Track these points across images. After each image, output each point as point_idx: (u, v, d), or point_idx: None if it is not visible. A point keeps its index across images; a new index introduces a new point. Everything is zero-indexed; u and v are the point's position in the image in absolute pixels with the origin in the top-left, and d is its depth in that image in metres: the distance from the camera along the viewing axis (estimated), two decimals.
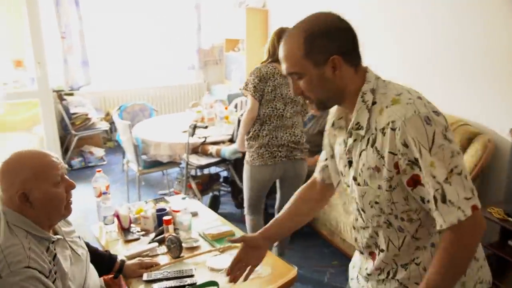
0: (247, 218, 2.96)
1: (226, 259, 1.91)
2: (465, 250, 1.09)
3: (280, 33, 2.65)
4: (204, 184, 3.66)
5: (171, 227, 2.16)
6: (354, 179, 1.25)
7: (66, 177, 1.50)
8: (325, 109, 1.31)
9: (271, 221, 1.60)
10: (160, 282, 1.80)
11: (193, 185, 3.49)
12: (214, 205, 3.95)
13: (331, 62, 1.15)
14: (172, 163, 3.75)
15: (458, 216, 1.04)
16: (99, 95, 5.78)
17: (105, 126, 5.35)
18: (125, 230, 2.28)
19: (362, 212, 1.28)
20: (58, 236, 1.51)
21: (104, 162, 5.31)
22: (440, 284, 1.09)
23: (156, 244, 2.12)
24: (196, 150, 3.62)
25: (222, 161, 3.56)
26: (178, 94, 6.30)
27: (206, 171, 4.08)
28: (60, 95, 5.23)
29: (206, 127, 3.35)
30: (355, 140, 1.23)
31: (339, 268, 3.13)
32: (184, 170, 3.56)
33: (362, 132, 1.19)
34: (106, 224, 2.34)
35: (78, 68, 5.29)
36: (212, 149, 3.50)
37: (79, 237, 1.77)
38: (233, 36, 5.97)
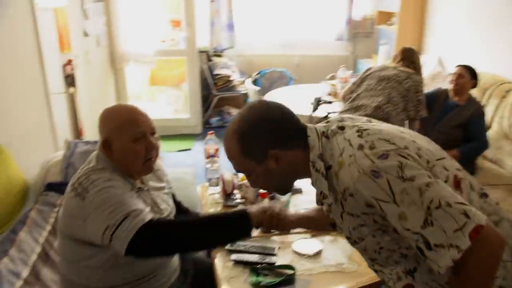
0: None
1: (314, 245, 1.81)
2: (480, 281, 0.94)
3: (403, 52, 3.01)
4: None
5: (266, 201, 2.11)
6: (348, 238, 1.21)
7: (151, 137, 1.55)
8: (288, 191, 1.32)
9: None
10: (240, 253, 1.77)
11: None
12: None
13: (271, 157, 1.15)
14: None
15: (452, 255, 0.91)
16: (244, 58, 5.92)
17: (245, 89, 5.50)
18: (227, 195, 2.29)
19: (375, 260, 1.21)
20: (142, 186, 1.58)
21: None
22: None
23: None
24: None
25: None
26: (322, 65, 6.13)
27: None
28: (208, 56, 5.50)
29: (330, 102, 3.18)
30: (330, 205, 1.17)
31: None
32: None
33: (329, 201, 1.15)
34: (210, 186, 2.40)
35: (223, 31, 5.46)
36: None
37: (172, 194, 1.84)
38: (386, 9, 5.55)
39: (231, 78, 5.37)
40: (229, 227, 1.43)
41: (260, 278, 1.61)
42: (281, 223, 1.49)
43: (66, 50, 4.26)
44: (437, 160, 1.07)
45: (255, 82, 4.89)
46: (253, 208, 1.46)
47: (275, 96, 4.12)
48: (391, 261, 1.16)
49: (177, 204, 1.91)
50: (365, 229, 1.11)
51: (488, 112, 3.42)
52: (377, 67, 3.09)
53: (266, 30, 5.92)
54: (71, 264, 1.51)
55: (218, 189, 2.35)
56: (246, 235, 1.45)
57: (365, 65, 5.60)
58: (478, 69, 3.13)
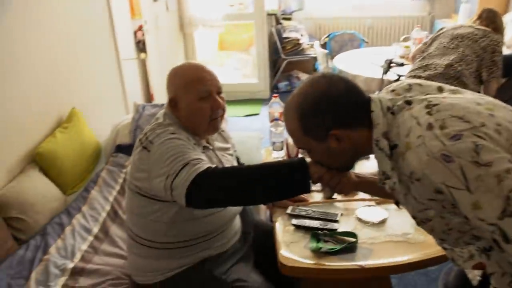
0: None
1: (379, 213, 1.73)
2: None
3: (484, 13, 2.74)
4: None
5: None
6: (414, 217, 1.12)
7: (217, 96, 1.53)
8: (350, 169, 1.28)
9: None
10: (301, 218, 1.72)
11: None
12: None
13: (333, 137, 1.09)
14: None
15: None
16: (314, 21, 5.74)
17: (314, 53, 5.35)
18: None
19: (443, 240, 1.13)
20: (208, 145, 1.59)
21: None
22: None
23: None
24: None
25: None
26: (396, 27, 5.80)
27: None
28: (277, 19, 5.39)
29: (402, 64, 2.99)
30: (393, 185, 1.08)
31: None
32: None
33: (391, 182, 1.07)
34: (274, 150, 2.37)
35: None
36: None
37: (237, 158, 1.87)
38: None
39: (300, 42, 5.24)
40: (287, 175, 1.28)
41: (321, 244, 1.57)
42: (342, 183, 1.34)
43: (137, 16, 4.36)
44: None
45: (324, 45, 4.72)
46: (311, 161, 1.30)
47: (344, 58, 3.96)
48: (461, 242, 1.07)
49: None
50: (431, 211, 1.02)
51: None
52: (451, 26, 2.86)
53: None
54: (138, 219, 1.56)
55: (282, 153, 2.32)
56: (304, 187, 1.31)
57: (443, 25, 5.22)
58: None
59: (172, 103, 1.53)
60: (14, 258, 1.83)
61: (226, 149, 1.76)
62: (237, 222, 1.71)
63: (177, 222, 1.49)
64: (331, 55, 4.46)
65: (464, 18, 4.86)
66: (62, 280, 1.75)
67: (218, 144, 1.71)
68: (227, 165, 1.65)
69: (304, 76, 5.43)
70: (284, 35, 5.26)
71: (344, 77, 1.15)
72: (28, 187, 2.10)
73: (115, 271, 1.76)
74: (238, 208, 1.68)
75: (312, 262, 1.53)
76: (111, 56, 3.25)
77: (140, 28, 4.37)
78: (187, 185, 1.26)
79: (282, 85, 5.39)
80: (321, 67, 3.80)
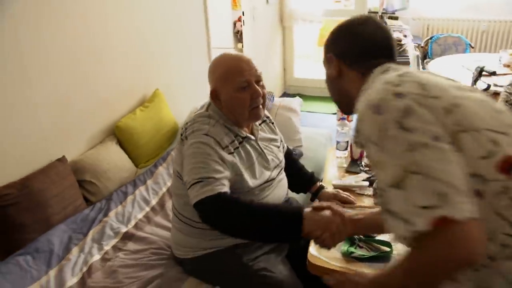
0: None
1: None
2: (424, 273, 0.80)
3: None
4: None
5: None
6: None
7: (256, 85, 1.56)
8: (347, 112, 1.25)
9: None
10: None
11: None
12: None
13: (329, 59, 1.16)
14: None
15: (406, 229, 0.77)
16: (421, 22, 5.44)
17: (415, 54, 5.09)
18: (352, 161, 2.22)
19: None
20: (249, 135, 1.62)
21: None
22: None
23: (367, 183, 2.00)
24: None
25: None
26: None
27: None
28: (381, 17, 5.21)
29: (493, 73, 2.75)
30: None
31: None
32: None
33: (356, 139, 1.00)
34: (337, 149, 2.34)
35: None
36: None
37: (287, 149, 1.91)
38: None
39: (402, 42, 5.01)
40: (281, 225, 1.37)
41: (353, 249, 1.54)
42: (328, 240, 1.35)
43: (238, 7, 4.52)
44: (489, 130, 0.85)
45: (426, 48, 4.48)
46: (309, 212, 1.36)
47: (440, 63, 3.73)
48: None
49: (291, 161, 1.91)
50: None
51: None
52: None
53: None
54: (178, 198, 1.67)
55: (346, 153, 2.28)
56: (295, 237, 1.38)
57: None
58: None
59: (213, 95, 1.57)
60: (79, 216, 2.06)
61: (273, 140, 1.77)
62: None
63: None
64: (431, 58, 4.23)
65: None
66: (113, 241, 1.94)
67: (264, 134, 1.73)
68: (268, 155, 1.67)
69: None
70: None
71: (385, 29, 1.15)
72: (104, 156, 2.33)
73: (160, 241, 1.90)
74: (280, 199, 1.70)
75: (339, 265, 1.51)
76: (202, 44, 3.43)
77: (240, 19, 4.53)
78: (195, 201, 1.39)
79: None
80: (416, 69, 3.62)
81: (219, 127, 1.53)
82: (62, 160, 2.17)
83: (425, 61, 4.22)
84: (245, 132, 1.61)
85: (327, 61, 1.18)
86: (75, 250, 1.89)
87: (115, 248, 1.90)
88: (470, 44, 4.39)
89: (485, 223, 0.80)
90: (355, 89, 1.10)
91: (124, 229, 2.00)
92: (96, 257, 1.85)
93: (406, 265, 0.84)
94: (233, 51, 1.61)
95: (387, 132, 0.83)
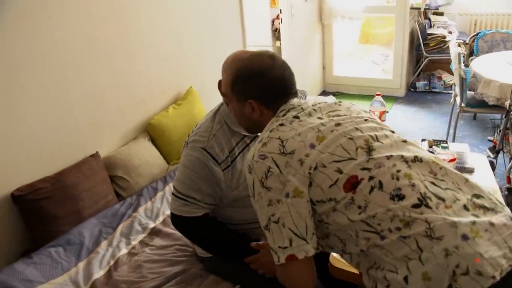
0: None
1: None
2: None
3: None
4: None
5: None
6: None
7: None
8: (252, 133, 1.48)
9: None
10: None
11: (511, 139, 2.86)
12: None
13: (249, 104, 1.26)
14: (498, 108, 3.14)
15: (276, 259, 1.09)
16: (468, 18, 5.23)
17: (463, 52, 4.88)
18: None
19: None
20: (259, 135, 1.60)
21: (450, 91, 4.95)
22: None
23: None
24: None
25: None
26: None
27: None
28: (424, 13, 5.05)
29: None
30: None
31: None
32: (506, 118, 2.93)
33: None
34: None
35: None
36: None
37: None
38: None
39: (446, 39, 4.84)
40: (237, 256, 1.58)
41: None
42: (264, 269, 1.53)
43: (277, 5, 4.51)
44: (335, 162, 1.08)
45: (472, 45, 4.28)
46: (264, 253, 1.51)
47: (485, 61, 3.56)
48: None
49: None
50: None
51: None
52: None
53: None
54: None
55: None
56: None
57: None
58: None
59: (220, 86, 1.58)
60: (110, 211, 2.12)
61: None
62: None
63: (220, 206, 1.60)
64: (477, 55, 4.04)
65: None
66: (141, 236, 1.98)
67: None
68: None
69: (447, 76, 5.02)
70: (430, 31, 4.90)
71: (286, 66, 1.30)
72: (136, 152, 2.39)
73: (185, 238, 1.92)
74: None
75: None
76: (237, 42, 3.44)
77: (278, 16, 4.51)
78: (171, 211, 1.58)
79: (421, 84, 5.05)
80: (455, 68, 3.47)
81: (222, 133, 1.55)
82: (95, 155, 2.24)
83: (470, 58, 4.04)
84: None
85: (247, 104, 1.27)
86: (104, 244, 1.94)
87: (142, 243, 1.94)
88: None
89: (344, 229, 1.07)
90: (266, 122, 1.25)
91: (152, 225, 2.04)
92: (123, 251, 1.90)
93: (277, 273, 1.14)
94: (246, 49, 1.61)
95: (254, 189, 1.11)
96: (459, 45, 4.49)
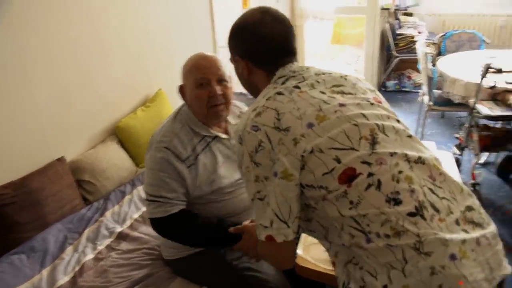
0: None
1: None
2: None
3: None
4: (497, 139, 3.00)
5: None
6: None
7: (218, 84, 1.56)
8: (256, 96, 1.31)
9: None
10: None
11: (475, 137, 2.93)
12: (506, 167, 3.26)
13: (237, 62, 1.20)
14: (464, 106, 3.21)
15: (258, 233, 1.06)
16: (436, 18, 5.34)
17: (431, 52, 4.98)
18: None
19: None
20: (219, 134, 1.63)
21: (420, 90, 5.05)
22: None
23: None
24: (496, 96, 2.96)
25: None
26: None
27: (503, 125, 3.31)
28: (394, 14, 5.13)
29: (499, 70, 2.66)
30: None
31: None
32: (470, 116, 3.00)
33: None
34: None
35: None
36: None
37: None
38: None
39: (415, 39, 4.92)
40: (222, 243, 1.60)
41: None
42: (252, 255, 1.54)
43: (249, 6, 4.51)
44: (334, 149, 1.01)
45: (440, 45, 4.38)
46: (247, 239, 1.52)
47: (450, 60, 3.64)
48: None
49: None
50: None
51: None
52: None
53: None
54: None
55: None
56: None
57: None
58: None
59: (181, 90, 1.63)
60: (76, 215, 2.10)
61: None
62: None
63: (191, 204, 1.59)
64: (445, 55, 4.13)
65: None
66: (107, 241, 1.96)
67: None
68: None
69: (417, 76, 5.11)
70: (399, 32, 4.99)
71: (281, 21, 1.18)
72: (103, 156, 2.36)
73: (153, 241, 1.91)
74: None
75: (327, 267, 1.50)
76: (208, 43, 3.44)
77: None
78: (149, 217, 1.57)
79: (391, 83, 5.13)
80: (422, 67, 3.54)
81: (184, 132, 1.56)
82: (61, 160, 2.21)
83: (436, 58, 4.13)
84: (215, 132, 1.62)
85: (235, 62, 1.22)
86: (69, 250, 1.92)
87: (109, 247, 1.92)
88: (484, 40, 4.26)
89: (330, 220, 1.02)
90: (264, 86, 1.16)
91: (119, 229, 2.02)
92: (89, 256, 1.87)
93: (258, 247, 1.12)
94: (202, 51, 1.62)
95: (243, 162, 1.05)
96: (428, 45, 4.59)
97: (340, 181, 0.99)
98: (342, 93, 1.11)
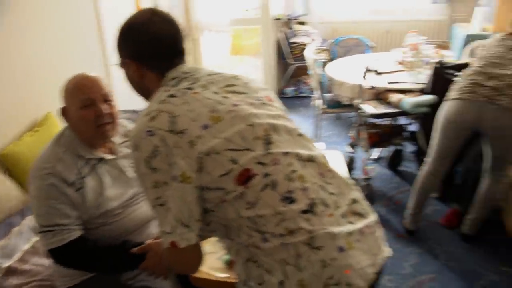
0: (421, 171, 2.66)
1: None
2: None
3: None
4: (384, 136, 3.25)
5: None
6: None
7: (103, 103, 1.53)
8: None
9: None
10: None
11: (363, 135, 3.14)
12: (394, 160, 3.54)
13: (125, 64, 1.18)
14: (352, 107, 3.44)
15: (163, 241, 1.04)
16: (328, 26, 5.66)
17: (325, 58, 5.26)
18: None
19: None
20: (105, 156, 1.59)
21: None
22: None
23: None
24: (380, 96, 3.21)
25: (403, 114, 3.06)
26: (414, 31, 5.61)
27: (389, 122, 3.60)
28: (287, 23, 5.35)
29: (376, 71, 2.90)
30: None
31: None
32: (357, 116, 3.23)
33: None
34: None
35: None
36: (393, 97, 3.03)
37: None
38: None
39: (305, 47, 5.17)
40: (127, 265, 1.53)
41: None
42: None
43: None
44: (230, 150, 1.03)
45: (331, 50, 4.65)
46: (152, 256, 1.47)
47: (339, 65, 3.88)
48: None
49: None
50: None
51: None
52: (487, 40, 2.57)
53: None
54: None
55: None
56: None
57: (459, 30, 5.00)
58: None
59: (64, 112, 1.57)
60: None
61: None
62: (152, 228, 1.69)
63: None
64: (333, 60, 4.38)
65: (479, 22, 4.65)
66: None
67: (128, 150, 1.63)
68: (129, 173, 1.63)
69: (312, 81, 5.36)
70: (294, 40, 5.21)
71: (169, 22, 1.17)
72: None
73: (46, 272, 1.82)
74: (150, 214, 1.65)
75: (222, 275, 1.53)
76: (98, 62, 3.35)
77: None
78: (46, 249, 1.49)
79: (290, 90, 5.35)
80: (312, 73, 3.74)
81: (68, 156, 1.51)
82: None
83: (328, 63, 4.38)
84: (101, 153, 1.59)
85: (125, 65, 1.20)
86: None
87: None
88: (368, 45, 4.58)
89: (229, 221, 1.04)
90: (156, 88, 1.15)
91: (6, 264, 1.89)
92: None
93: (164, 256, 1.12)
94: (84, 72, 1.57)
95: (139, 169, 1.03)
96: (320, 52, 4.85)
97: (237, 182, 1.01)
98: (235, 92, 1.13)
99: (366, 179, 3.10)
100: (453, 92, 2.40)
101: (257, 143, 1.05)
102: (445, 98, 2.47)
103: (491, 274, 2.43)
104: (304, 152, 1.11)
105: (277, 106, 1.20)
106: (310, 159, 1.11)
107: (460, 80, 2.41)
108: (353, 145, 3.37)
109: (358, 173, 3.37)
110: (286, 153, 1.07)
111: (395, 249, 2.64)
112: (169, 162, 1.00)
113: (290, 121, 1.17)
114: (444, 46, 4.51)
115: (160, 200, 1.01)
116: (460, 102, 2.33)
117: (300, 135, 1.15)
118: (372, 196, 3.06)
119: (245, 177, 1.02)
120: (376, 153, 3.74)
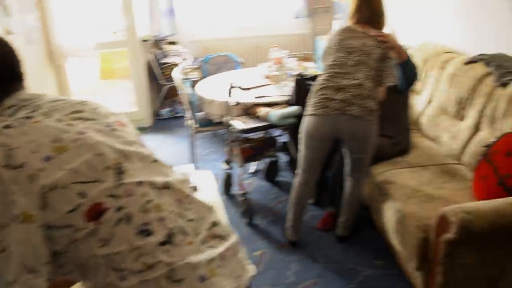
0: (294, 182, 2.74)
1: None
2: None
3: None
4: (257, 149, 3.30)
5: None
6: None
7: None
8: None
9: None
10: None
11: (236, 150, 3.17)
12: (271, 172, 3.62)
13: None
14: (223, 124, 3.46)
15: None
16: (199, 44, 5.67)
17: (196, 77, 5.25)
18: None
19: None
20: None
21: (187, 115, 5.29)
22: None
23: None
24: (249, 111, 3.27)
25: (272, 126, 3.14)
26: (281, 45, 5.86)
27: (262, 135, 3.70)
28: (157, 44, 5.26)
29: (240, 87, 2.96)
30: None
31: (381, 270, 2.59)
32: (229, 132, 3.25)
33: None
34: None
35: (163, 18, 5.23)
36: (260, 111, 3.11)
37: None
38: None
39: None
40: None
41: None
42: None
43: None
44: (77, 183, 0.92)
45: (201, 69, 4.65)
46: None
47: (204, 84, 3.85)
48: None
49: None
50: None
51: (428, 85, 3.21)
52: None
53: (220, 13, 5.68)
54: None
55: None
56: None
57: (322, 42, 5.34)
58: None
59: None
60: None
61: None
62: None
63: None
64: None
65: None
66: None
67: None
68: None
69: None
70: (165, 60, 5.13)
71: (7, 46, 1.08)
72: None
73: None
74: None
75: None
76: None
77: None
78: None
79: (165, 111, 5.25)
80: (181, 93, 3.70)
81: None
82: None
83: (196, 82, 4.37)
84: None
85: None
86: None
87: None
88: (237, 61, 4.67)
89: (83, 260, 0.93)
90: None
91: None
92: None
93: None
94: None
95: None
96: (191, 71, 4.84)
97: (88, 218, 0.92)
98: (82, 119, 1.03)
99: (243, 194, 3.12)
100: (309, 108, 2.52)
101: (108, 173, 0.97)
102: (304, 112, 2.57)
103: (367, 269, 2.57)
104: (159, 179, 1.05)
105: (130, 131, 1.13)
106: (166, 186, 1.06)
107: (312, 96, 2.53)
108: (228, 162, 3.38)
109: (237, 189, 3.38)
110: (140, 183, 1.00)
111: (278, 259, 2.68)
112: (7, 201, 0.87)
113: (143, 147, 1.11)
114: (307, 58, 4.79)
115: (0, 246, 0.88)
116: (316, 117, 2.46)
117: (155, 161, 1.10)
118: (250, 210, 3.08)
119: (96, 212, 0.93)
120: (253, 166, 3.80)
